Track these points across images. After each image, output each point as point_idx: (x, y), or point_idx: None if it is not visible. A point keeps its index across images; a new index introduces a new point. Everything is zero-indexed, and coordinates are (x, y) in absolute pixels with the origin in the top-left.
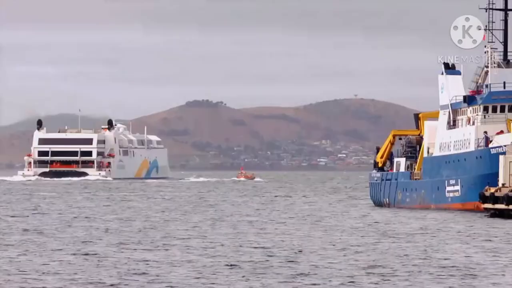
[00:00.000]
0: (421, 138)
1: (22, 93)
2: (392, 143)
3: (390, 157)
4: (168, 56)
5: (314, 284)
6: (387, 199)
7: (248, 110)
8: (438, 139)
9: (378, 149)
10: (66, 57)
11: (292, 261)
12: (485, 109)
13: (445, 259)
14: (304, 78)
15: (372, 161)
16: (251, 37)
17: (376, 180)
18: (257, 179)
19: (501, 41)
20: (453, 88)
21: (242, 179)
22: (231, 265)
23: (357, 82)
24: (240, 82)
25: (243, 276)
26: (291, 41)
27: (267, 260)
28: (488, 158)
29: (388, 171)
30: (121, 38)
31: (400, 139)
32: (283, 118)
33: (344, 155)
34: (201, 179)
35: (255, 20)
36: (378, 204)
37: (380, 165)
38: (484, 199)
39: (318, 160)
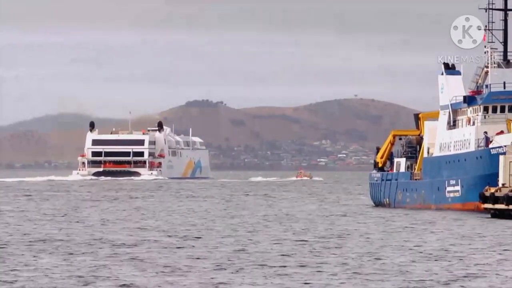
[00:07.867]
0: (421, 138)
1: (21, 93)
2: (392, 143)
3: (390, 157)
4: (168, 56)
5: None
6: (387, 199)
7: (248, 110)
8: (438, 139)
9: (378, 149)
10: (66, 57)
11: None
12: (485, 109)
13: None
14: (304, 78)
15: (372, 161)
16: (251, 37)
17: (376, 180)
18: (315, 178)
19: (501, 41)
20: (453, 88)
21: (304, 178)
22: None
23: (357, 82)
24: (240, 82)
25: None
26: (291, 41)
27: None
28: (488, 158)
29: (388, 171)
30: (121, 38)
31: (400, 139)
32: (283, 118)
33: (344, 155)
34: (260, 178)
35: (255, 20)
36: (378, 204)
37: (380, 165)
38: (484, 199)
39: (318, 160)
